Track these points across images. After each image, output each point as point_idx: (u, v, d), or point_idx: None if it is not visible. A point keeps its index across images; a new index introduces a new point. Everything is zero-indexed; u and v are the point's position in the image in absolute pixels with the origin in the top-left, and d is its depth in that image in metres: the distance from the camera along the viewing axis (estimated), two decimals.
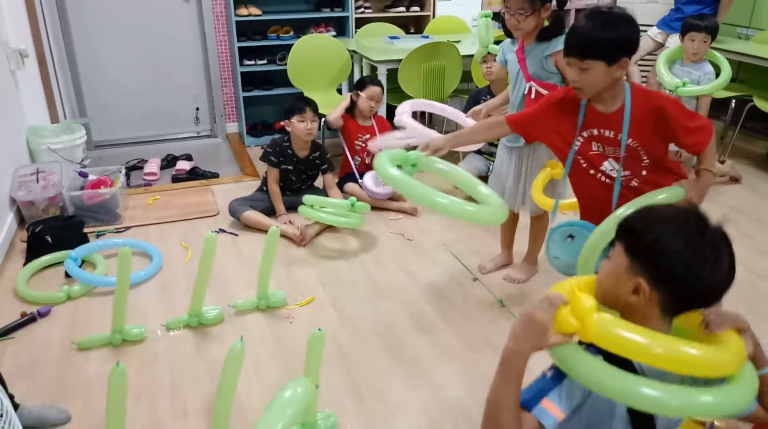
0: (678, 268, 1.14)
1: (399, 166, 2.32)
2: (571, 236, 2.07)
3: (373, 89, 3.82)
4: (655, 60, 4.77)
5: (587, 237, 1.95)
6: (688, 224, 1.18)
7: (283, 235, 3.24)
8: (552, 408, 1.20)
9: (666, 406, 1.08)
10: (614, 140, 2.00)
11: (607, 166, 2.06)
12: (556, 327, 1.18)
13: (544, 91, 2.54)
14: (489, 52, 3.70)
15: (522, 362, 1.20)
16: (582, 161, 2.11)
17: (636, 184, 2.05)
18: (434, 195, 2.10)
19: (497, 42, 3.40)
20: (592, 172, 2.11)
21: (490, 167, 3.54)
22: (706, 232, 1.18)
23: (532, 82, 2.58)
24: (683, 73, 3.83)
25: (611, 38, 1.86)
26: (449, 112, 3.63)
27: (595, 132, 2.03)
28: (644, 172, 2.03)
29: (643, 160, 2.00)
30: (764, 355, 1.26)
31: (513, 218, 2.95)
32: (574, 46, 1.92)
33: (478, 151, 3.90)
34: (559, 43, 2.48)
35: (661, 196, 1.94)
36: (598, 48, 1.86)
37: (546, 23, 2.54)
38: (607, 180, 2.08)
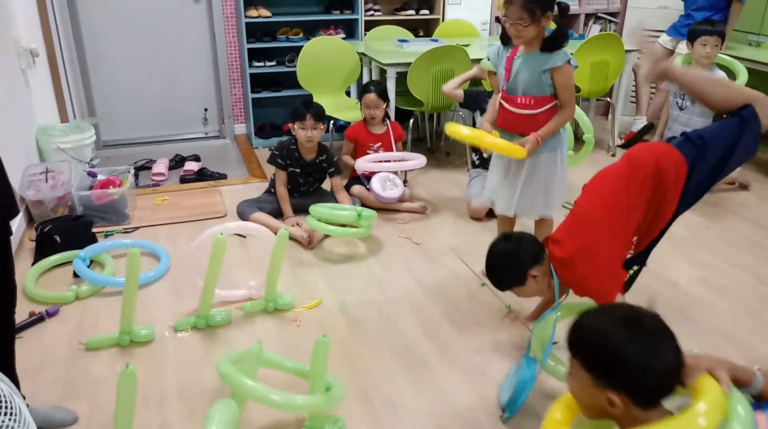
0: (635, 370, 1.23)
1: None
2: None
3: (366, 97, 3.83)
4: None
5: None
6: (627, 325, 1.26)
7: (291, 238, 3.24)
8: None
9: None
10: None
11: None
12: None
13: (510, 106, 2.63)
14: None
15: None
16: None
17: None
18: (269, 393, 1.88)
19: None
20: None
21: None
22: (644, 325, 1.26)
23: (502, 99, 2.67)
24: None
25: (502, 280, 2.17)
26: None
27: None
28: None
29: None
30: (744, 370, 1.37)
31: (510, 222, 2.96)
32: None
33: (482, 161, 3.79)
34: (558, 58, 2.50)
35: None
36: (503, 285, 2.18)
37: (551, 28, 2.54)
38: None
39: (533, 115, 2.59)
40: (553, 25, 2.54)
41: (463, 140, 2.69)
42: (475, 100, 3.78)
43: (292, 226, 3.38)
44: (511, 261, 2.09)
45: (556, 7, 2.49)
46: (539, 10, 2.42)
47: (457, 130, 2.59)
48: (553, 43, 2.51)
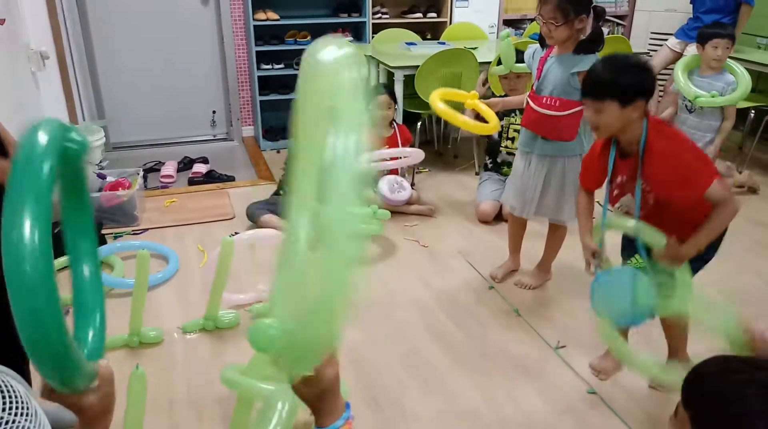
0: None
1: None
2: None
3: (377, 98, 3.84)
4: (672, 69, 4.75)
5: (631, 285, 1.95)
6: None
7: None
8: None
9: None
10: (632, 184, 2.01)
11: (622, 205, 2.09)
12: None
13: (535, 106, 2.61)
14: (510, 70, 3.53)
15: None
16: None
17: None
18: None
19: (519, 61, 3.36)
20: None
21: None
22: None
23: (529, 99, 2.66)
24: (704, 85, 3.79)
25: (625, 80, 1.91)
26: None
27: (619, 179, 2.06)
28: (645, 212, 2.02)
29: (648, 202, 2.00)
30: None
31: (522, 224, 2.95)
32: (589, 87, 1.98)
33: (495, 165, 3.81)
34: (589, 61, 2.47)
35: (643, 232, 1.96)
36: (612, 89, 1.90)
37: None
38: None
39: (557, 116, 2.57)
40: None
41: (439, 114, 2.93)
42: None
43: None
44: (639, 69, 1.93)
45: (592, 11, 2.49)
46: (573, 11, 2.42)
47: (435, 103, 2.82)
48: (587, 47, 2.51)
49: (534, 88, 2.66)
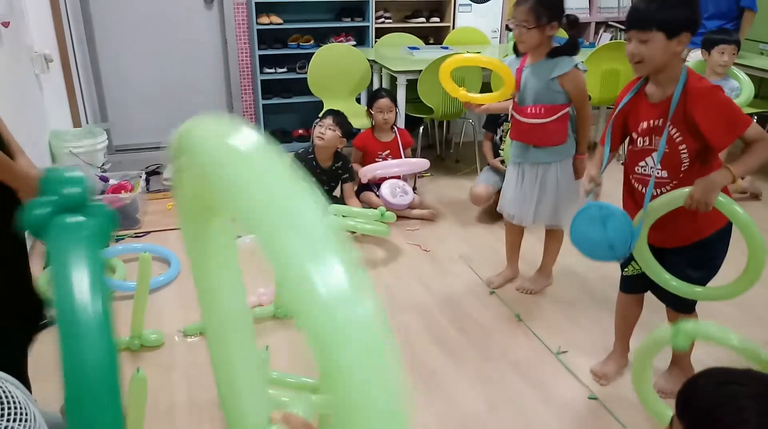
0: None
1: None
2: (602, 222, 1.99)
3: (380, 102, 3.85)
4: None
5: (619, 225, 1.94)
6: (764, 408, 0.97)
7: None
8: None
9: None
10: (660, 129, 1.95)
11: (648, 162, 2.02)
12: None
13: (521, 117, 2.62)
14: None
15: None
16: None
17: (669, 189, 1.99)
18: (280, 396, 1.88)
19: None
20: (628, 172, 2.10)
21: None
22: None
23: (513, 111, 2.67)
24: None
25: (671, 11, 1.87)
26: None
27: (645, 125, 1.99)
28: (681, 175, 1.96)
29: (682, 161, 1.95)
30: None
31: (519, 231, 2.95)
32: (634, 18, 1.93)
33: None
34: (565, 65, 2.49)
35: (662, 202, 1.93)
36: (658, 19, 1.87)
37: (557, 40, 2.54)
38: (641, 187, 2.04)
39: (544, 124, 2.58)
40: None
41: (442, 84, 2.87)
42: (494, 119, 3.81)
43: None
44: (685, 1, 1.88)
45: (564, 19, 2.50)
46: (546, 16, 2.43)
47: (450, 67, 2.79)
48: (563, 51, 2.52)
49: (515, 100, 2.66)
